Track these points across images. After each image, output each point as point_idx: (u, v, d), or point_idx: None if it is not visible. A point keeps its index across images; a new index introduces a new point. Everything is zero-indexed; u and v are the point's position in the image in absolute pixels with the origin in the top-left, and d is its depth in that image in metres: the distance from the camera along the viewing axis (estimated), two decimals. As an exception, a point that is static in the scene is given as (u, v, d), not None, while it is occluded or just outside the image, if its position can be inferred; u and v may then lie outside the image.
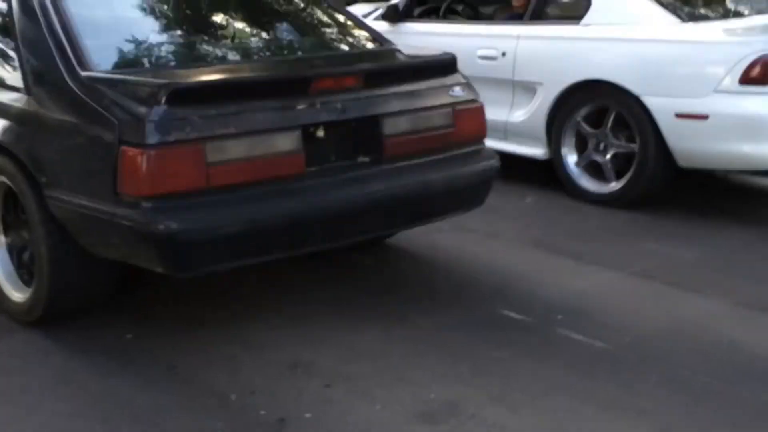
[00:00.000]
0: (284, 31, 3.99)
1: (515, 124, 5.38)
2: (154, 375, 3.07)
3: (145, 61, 3.39)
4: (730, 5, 5.43)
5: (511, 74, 5.36)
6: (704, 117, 4.60)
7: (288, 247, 3.22)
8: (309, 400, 2.90)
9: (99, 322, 3.45)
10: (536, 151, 5.35)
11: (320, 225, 3.23)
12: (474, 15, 6.37)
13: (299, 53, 3.85)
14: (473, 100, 3.73)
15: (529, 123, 5.32)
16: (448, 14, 6.26)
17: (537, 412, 2.84)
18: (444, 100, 3.62)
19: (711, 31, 4.82)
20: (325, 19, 4.08)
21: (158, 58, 3.43)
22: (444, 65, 3.73)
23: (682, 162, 4.81)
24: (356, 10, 6.87)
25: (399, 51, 3.92)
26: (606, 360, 3.20)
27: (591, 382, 3.02)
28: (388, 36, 5.56)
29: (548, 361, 3.18)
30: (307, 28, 4.05)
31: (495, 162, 3.79)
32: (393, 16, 6.06)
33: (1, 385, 3.02)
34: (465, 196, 3.71)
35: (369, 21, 6.20)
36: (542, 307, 3.64)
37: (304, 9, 4.07)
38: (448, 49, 5.10)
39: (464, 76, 3.77)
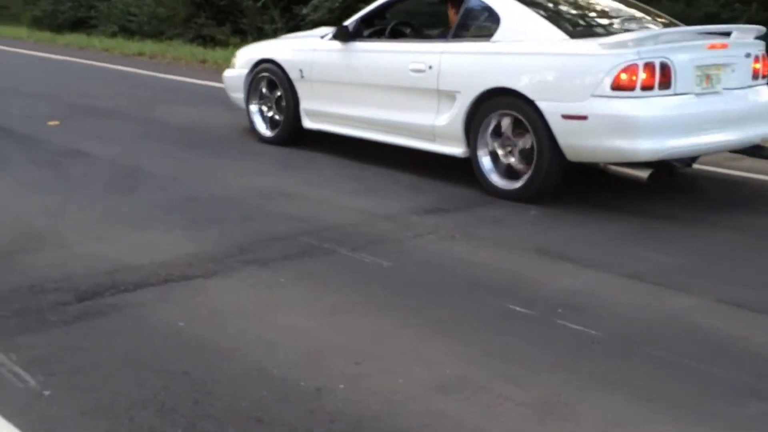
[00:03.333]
0: None
1: (440, 128, 6.22)
2: (207, 356, 3.52)
3: None
4: (611, 25, 6.28)
5: (436, 84, 6.21)
6: (584, 117, 5.43)
7: None
8: (342, 375, 3.35)
9: (149, 308, 3.92)
10: (457, 150, 6.18)
11: None
12: (418, 35, 7.15)
13: None
14: None
15: (450, 126, 6.14)
16: (396, 35, 7.11)
17: (539, 386, 3.29)
18: None
19: (589, 45, 5.63)
20: None
21: None
22: None
23: (570, 157, 5.63)
24: (318, 32, 7.66)
25: None
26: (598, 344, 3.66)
27: (586, 363, 3.48)
28: (340, 53, 6.88)
29: (549, 346, 3.64)
30: None
31: None
32: (344, 36, 6.93)
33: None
34: None
35: (324, 40, 7.14)
36: (544, 302, 4.10)
37: None
38: (388, 64, 6.62)
39: None
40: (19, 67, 13.59)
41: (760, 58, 6.00)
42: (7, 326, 3.75)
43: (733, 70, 5.80)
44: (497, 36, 5.99)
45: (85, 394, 3.18)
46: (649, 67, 5.35)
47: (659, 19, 6.51)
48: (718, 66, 5.72)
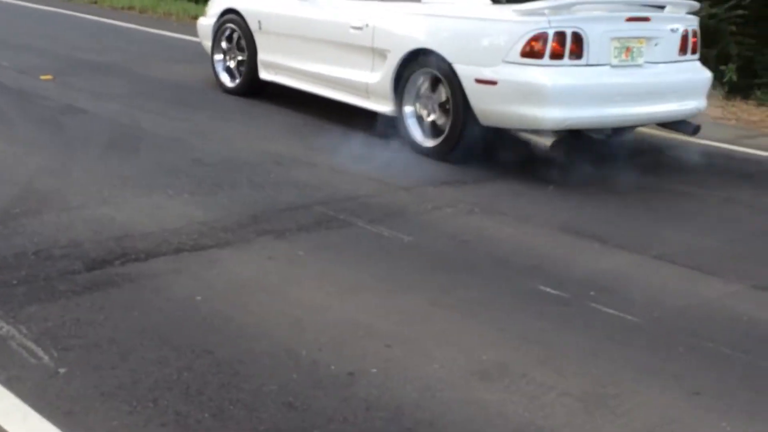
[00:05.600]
0: None
1: (373, 85, 6.29)
2: (230, 333, 3.34)
3: None
4: None
5: (371, 42, 6.26)
6: (495, 83, 5.46)
7: None
8: (373, 358, 3.18)
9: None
10: (386, 108, 6.22)
11: None
12: None
13: None
14: None
15: (381, 84, 6.20)
16: None
17: (581, 375, 3.13)
18: None
19: (505, 11, 5.59)
20: None
21: None
22: None
23: (483, 121, 5.64)
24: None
25: None
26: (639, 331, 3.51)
27: (627, 350, 3.33)
28: (294, 5, 6.97)
29: (586, 331, 3.48)
30: None
31: None
32: None
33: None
34: None
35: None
36: (575, 283, 3.93)
37: None
38: (333, 20, 6.60)
39: None
40: (3, 16, 13.17)
41: (690, 34, 5.93)
42: (14, 295, 3.54)
43: (656, 44, 5.74)
44: None
45: (104, 373, 2.99)
46: (559, 35, 5.31)
47: None
48: (639, 39, 5.65)
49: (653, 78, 5.74)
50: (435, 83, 5.88)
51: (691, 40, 5.94)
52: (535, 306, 3.69)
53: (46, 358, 3.07)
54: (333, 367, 3.10)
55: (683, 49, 5.90)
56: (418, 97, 6.00)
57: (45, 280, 3.69)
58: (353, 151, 6.01)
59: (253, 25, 7.30)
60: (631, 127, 6.37)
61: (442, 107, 5.83)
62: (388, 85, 6.13)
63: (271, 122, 6.83)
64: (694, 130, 6.09)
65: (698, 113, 6.11)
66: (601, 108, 5.51)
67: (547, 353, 3.27)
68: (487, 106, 5.56)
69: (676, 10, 5.96)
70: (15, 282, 3.65)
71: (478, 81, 5.53)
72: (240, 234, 4.34)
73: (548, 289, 3.86)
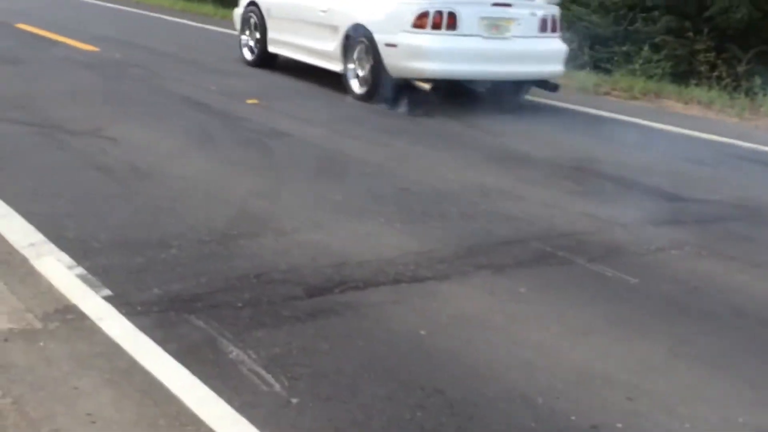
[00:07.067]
0: None
1: (331, 51, 8.86)
2: (459, 372, 3.19)
3: None
4: None
5: (330, 21, 8.87)
6: (396, 45, 8.01)
7: None
8: (615, 411, 2.96)
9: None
10: (339, 67, 8.73)
11: None
12: None
13: None
14: None
15: (335, 51, 8.77)
16: None
17: None
18: None
19: None
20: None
21: None
22: None
23: (392, 73, 8.10)
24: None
25: None
26: None
27: None
28: None
29: None
30: None
31: None
32: None
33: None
34: None
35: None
36: (830, 341, 3.57)
37: None
38: (310, 5, 9.32)
39: None
40: (207, 43, 13.74)
41: (549, 18, 8.31)
42: (240, 317, 3.53)
43: (519, 24, 8.18)
44: None
45: (336, 406, 2.91)
46: (438, 13, 7.84)
47: None
48: (508, 20, 8.14)
49: (516, 47, 8.16)
50: (365, 48, 8.27)
51: (549, 22, 8.35)
52: (790, 364, 3.36)
53: (276, 385, 3.02)
54: (573, 418, 2.90)
55: (543, 29, 8.33)
56: (355, 58, 8.47)
57: (268, 304, 3.68)
58: (559, 184, 5.80)
59: (264, 13, 10.00)
60: (519, 87, 8.73)
61: (369, 64, 8.23)
62: (339, 51, 8.67)
63: (471, 151, 6.71)
64: (553, 88, 8.51)
65: (556, 75, 8.49)
66: (471, 65, 7.99)
67: (812, 419, 2.95)
68: (393, 63, 8.05)
69: (541, 1, 8.42)
70: (240, 305, 3.65)
71: (387, 45, 8.04)
72: (457, 267, 4.21)
73: (800, 346, 3.51)
